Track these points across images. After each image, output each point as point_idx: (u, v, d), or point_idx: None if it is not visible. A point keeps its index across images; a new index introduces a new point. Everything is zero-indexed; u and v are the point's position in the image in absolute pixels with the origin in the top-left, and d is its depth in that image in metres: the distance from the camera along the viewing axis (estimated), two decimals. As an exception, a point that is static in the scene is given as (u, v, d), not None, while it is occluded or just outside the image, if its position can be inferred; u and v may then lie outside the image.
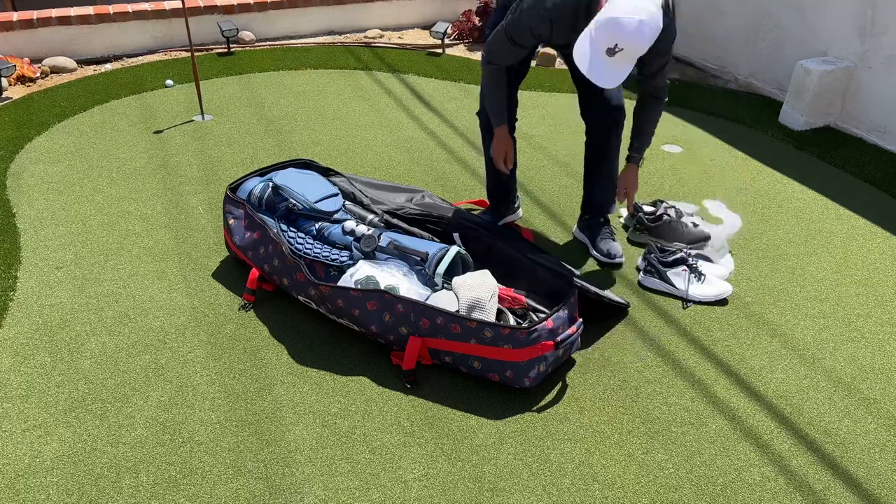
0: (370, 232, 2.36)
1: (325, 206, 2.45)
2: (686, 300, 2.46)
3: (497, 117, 2.38)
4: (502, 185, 2.74)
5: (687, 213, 2.86)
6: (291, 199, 2.44)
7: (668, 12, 2.07)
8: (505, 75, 2.32)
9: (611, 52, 1.90)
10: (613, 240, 2.66)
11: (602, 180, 2.59)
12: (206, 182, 3.13)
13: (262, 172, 2.60)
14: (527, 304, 2.25)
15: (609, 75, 1.95)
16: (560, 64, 4.62)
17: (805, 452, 1.90)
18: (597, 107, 2.41)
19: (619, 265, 2.63)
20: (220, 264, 2.59)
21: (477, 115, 2.62)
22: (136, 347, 2.20)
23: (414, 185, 3.12)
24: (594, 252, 2.65)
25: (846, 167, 3.40)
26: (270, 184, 2.48)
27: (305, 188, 2.47)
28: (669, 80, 4.44)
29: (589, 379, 2.13)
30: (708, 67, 4.59)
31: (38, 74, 4.17)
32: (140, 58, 4.57)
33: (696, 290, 2.45)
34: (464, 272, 2.31)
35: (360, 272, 2.23)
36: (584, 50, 1.95)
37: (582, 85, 2.46)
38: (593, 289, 2.29)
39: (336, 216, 2.45)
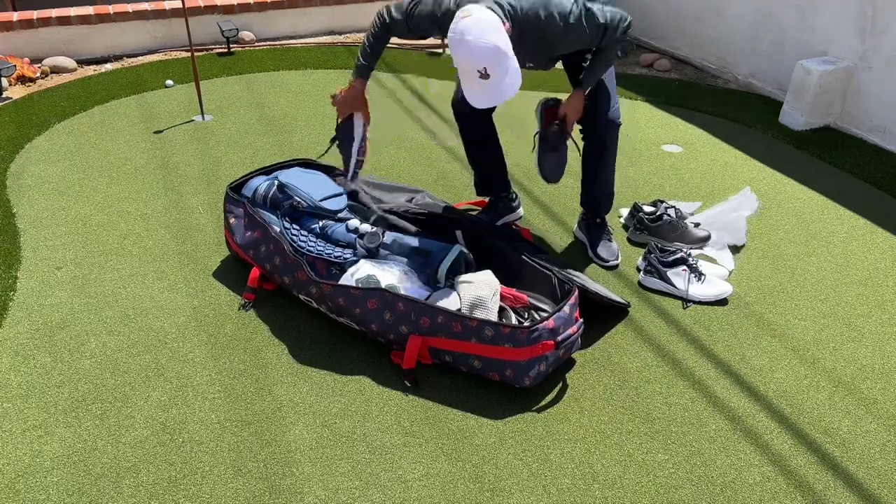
0: (374, 230, 2.37)
1: (330, 204, 2.46)
2: (686, 300, 2.46)
3: (360, 70, 2.34)
4: (486, 172, 2.77)
5: (687, 213, 2.86)
6: (296, 198, 2.44)
7: (554, 15, 2.10)
8: (387, 39, 2.31)
9: (482, 75, 1.94)
10: (610, 241, 2.68)
11: (596, 186, 2.62)
12: (207, 182, 3.13)
13: (264, 171, 2.60)
14: (529, 303, 2.25)
15: (493, 95, 1.97)
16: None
17: (805, 452, 1.90)
18: (591, 118, 2.42)
19: (615, 266, 2.64)
20: (220, 264, 2.59)
21: (452, 104, 2.64)
22: (136, 347, 2.20)
23: (414, 185, 3.12)
24: (591, 255, 2.68)
25: (846, 167, 3.40)
26: (276, 182, 2.48)
27: (311, 187, 2.48)
28: (670, 80, 4.44)
29: (589, 379, 2.13)
30: (708, 67, 4.59)
31: (38, 74, 4.17)
32: (140, 58, 4.57)
33: (697, 290, 2.45)
34: (466, 272, 2.31)
35: (360, 271, 2.23)
36: (468, 89, 2.00)
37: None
38: (594, 288, 2.29)
39: (340, 214, 2.46)
